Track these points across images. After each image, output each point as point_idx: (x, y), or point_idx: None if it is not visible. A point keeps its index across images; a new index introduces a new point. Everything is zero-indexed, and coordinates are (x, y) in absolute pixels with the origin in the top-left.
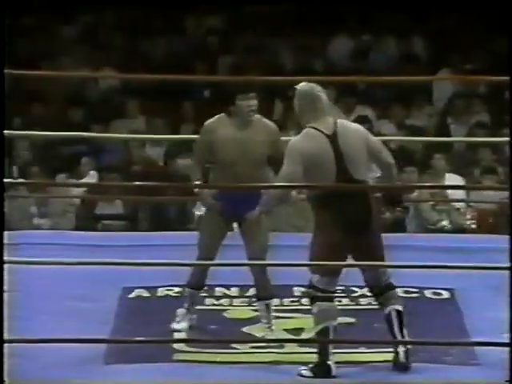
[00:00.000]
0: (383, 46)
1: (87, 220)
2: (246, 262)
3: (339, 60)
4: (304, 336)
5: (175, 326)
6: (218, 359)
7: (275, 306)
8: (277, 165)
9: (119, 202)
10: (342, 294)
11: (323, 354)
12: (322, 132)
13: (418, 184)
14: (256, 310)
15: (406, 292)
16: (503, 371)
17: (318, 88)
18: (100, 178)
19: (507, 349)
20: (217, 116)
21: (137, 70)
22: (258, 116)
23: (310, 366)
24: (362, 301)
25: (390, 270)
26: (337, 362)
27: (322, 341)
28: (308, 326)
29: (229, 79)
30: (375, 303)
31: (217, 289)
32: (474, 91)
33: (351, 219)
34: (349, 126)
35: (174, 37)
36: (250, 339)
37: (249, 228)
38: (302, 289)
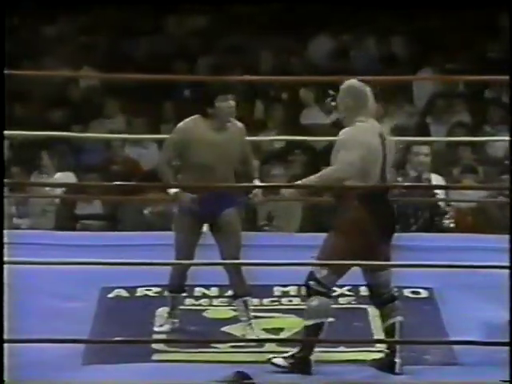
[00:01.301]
0: (363, 46)
1: (67, 220)
2: (224, 261)
3: (319, 60)
4: (283, 334)
5: (157, 329)
6: (198, 359)
7: (255, 305)
8: (243, 164)
9: (98, 202)
10: None
11: (306, 349)
12: (375, 130)
13: (402, 184)
14: (235, 310)
15: None
16: (482, 371)
17: (367, 87)
18: (79, 177)
19: (507, 348)
20: (191, 117)
21: (117, 70)
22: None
23: (286, 356)
24: (341, 300)
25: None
26: (316, 361)
27: (300, 340)
28: (287, 325)
29: (209, 79)
30: (354, 303)
31: (196, 289)
32: (455, 91)
33: (388, 221)
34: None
35: (155, 37)
36: (229, 339)
37: (222, 228)
38: (282, 288)
